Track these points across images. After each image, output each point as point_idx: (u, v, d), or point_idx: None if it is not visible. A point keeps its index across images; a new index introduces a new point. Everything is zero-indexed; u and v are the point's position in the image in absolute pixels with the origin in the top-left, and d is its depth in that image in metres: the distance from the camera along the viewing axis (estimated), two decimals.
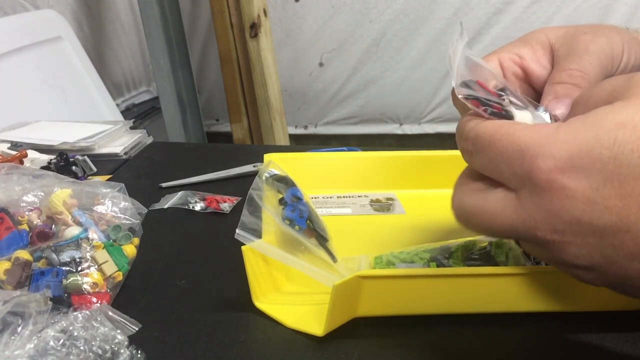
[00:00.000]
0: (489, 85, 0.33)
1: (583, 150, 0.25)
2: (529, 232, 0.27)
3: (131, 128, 0.87)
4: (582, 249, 0.26)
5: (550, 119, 0.33)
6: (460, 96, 0.31)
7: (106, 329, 0.35)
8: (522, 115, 0.31)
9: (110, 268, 0.43)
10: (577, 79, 0.34)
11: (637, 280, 0.26)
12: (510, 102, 0.32)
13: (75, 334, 0.34)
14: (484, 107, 0.30)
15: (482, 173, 0.30)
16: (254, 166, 0.69)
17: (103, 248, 0.44)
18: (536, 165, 0.26)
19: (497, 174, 0.29)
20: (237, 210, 0.59)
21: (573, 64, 0.35)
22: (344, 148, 0.72)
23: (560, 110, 0.33)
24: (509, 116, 0.31)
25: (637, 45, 0.37)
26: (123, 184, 0.51)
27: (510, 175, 0.28)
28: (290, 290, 0.44)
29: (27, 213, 0.46)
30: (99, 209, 0.48)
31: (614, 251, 0.25)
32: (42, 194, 0.47)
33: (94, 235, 0.45)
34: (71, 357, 0.33)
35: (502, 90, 0.33)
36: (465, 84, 0.32)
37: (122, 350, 0.34)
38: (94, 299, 0.40)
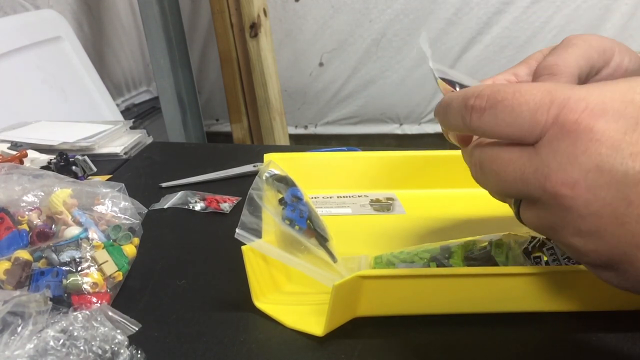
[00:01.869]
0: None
1: (616, 94, 0.25)
2: (539, 183, 0.26)
3: (131, 128, 0.87)
4: (592, 206, 0.25)
5: None
6: (439, 77, 0.31)
7: (106, 329, 0.35)
8: None
9: (110, 268, 0.43)
10: (552, 68, 0.35)
11: None
12: None
13: (75, 334, 0.34)
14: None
15: (490, 135, 0.29)
16: (254, 166, 0.69)
17: (103, 248, 0.44)
18: (567, 106, 0.25)
19: (513, 128, 0.27)
20: (237, 210, 0.59)
21: (550, 57, 0.36)
22: (344, 148, 0.72)
23: None
24: None
25: (634, 54, 0.38)
26: (123, 184, 0.51)
27: (530, 126, 0.26)
28: (290, 290, 0.44)
29: (27, 213, 0.46)
30: (99, 209, 0.48)
31: (627, 208, 0.24)
32: (42, 194, 0.47)
33: (94, 235, 0.45)
34: (71, 357, 0.33)
35: None
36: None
37: (122, 350, 0.34)
38: (94, 299, 0.40)
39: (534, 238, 0.40)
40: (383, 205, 0.58)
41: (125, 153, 0.79)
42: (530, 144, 0.27)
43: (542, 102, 0.26)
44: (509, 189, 0.29)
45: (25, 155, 0.71)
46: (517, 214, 0.30)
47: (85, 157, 0.68)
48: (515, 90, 0.27)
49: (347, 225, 0.55)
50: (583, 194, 0.25)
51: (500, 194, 0.31)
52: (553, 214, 0.27)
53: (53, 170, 0.65)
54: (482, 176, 0.30)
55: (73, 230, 0.45)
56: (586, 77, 0.36)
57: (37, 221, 0.46)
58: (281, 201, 0.44)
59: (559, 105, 0.25)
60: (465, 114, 0.29)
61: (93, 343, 0.34)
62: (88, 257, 0.42)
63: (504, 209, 0.33)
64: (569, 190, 0.25)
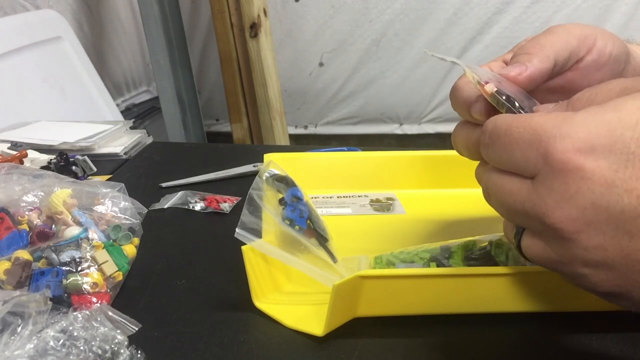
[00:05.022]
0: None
1: (603, 130, 0.24)
2: (539, 218, 0.26)
3: (131, 128, 0.87)
4: (595, 239, 0.25)
5: None
6: (490, 90, 0.31)
7: (106, 329, 0.35)
8: None
9: (110, 268, 0.43)
10: (527, 48, 0.35)
11: None
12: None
13: (75, 334, 0.34)
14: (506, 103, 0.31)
15: (500, 167, 0.29)
16: (254, 166, 0.69)
17: (103, 248, 0.44)
18: (552, 146, 0.25)
19: (512, 164, 0.28)
20: (237, 210, 0.59)
21: (528, 41, 0.36)
22: (344, 148, 0.72)
23: (515, 71, 0.33)
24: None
25: (618, 39, 0.37)
26: (123, 184, 0.51)
27: (525, 163, 0.27)
28: (290, 290, 0.44)
29: (27, 213, 0.46)
30: (99, 209, 0.48)
31: (630, 240, 0.24)
32: (42, 194, 0.47)
33: (94, 235, 0.45)
34: (71, 357, 0.33)
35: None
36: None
37: (122, 350, 0.34)
38: (94, 299, 0.40)
39: None
40: (383, 205, 0.58)
41: (125, 153, 0.79)
42: (530, 177, 0.27)
43: (530, 140, 0.26)
44: (512, 217, 0.30)
45: (25, 155, 0.71)
46: (518, 246, 0.30)
47: (85, 157, 0.68)
48: (507, 127, 0.28)
49: (347, 225, 0.55)
50: (584, 229, 0.25)
51: (506, 219, 0.31)
52: (559, 247, 0.27)
53: (53, 170, 0.65)
54: (489, 200, 0.31)
55: (73, 230, 0.45)
56: (566, 63, 0.36)
57: (37, 221, 0.46)
58: (281, 201, 0.44)
59: (545, 145, 0.26)
60: (480, 149, 0.30)
61: (93, 343, 0.34)
62: (88, 257, 0.42)
63: None
64: (569, 226, 0.25)
